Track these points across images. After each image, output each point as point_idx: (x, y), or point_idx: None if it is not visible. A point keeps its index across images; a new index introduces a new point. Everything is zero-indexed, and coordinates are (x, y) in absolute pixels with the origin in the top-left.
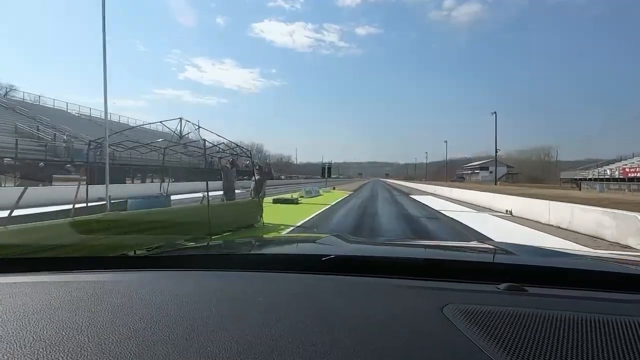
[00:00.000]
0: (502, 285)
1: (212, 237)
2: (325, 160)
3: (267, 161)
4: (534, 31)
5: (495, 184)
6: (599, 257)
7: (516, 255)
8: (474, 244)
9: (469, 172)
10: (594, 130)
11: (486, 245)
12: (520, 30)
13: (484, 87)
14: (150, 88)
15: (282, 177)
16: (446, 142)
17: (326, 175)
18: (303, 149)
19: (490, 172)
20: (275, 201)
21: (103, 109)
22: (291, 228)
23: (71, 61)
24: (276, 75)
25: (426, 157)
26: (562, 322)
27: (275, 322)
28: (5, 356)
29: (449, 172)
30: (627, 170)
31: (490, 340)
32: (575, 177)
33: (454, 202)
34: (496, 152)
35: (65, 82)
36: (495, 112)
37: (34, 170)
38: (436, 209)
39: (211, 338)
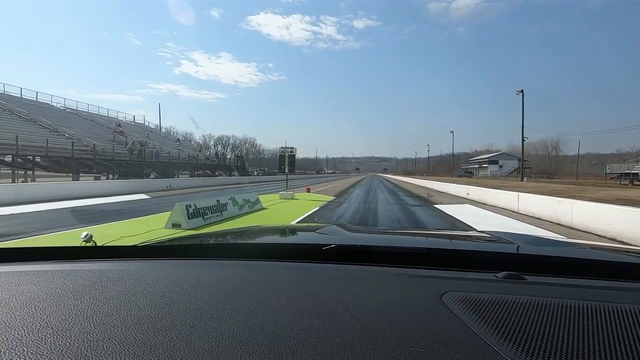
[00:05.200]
0: (501, 274)
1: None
2: (321, 156)
3: (240, 154)
4: (535, 22)
5: (522, 180)
6: (597, 246)
7: (515, 244)
8: (474, 233)
9: (477, 166)
10: (593, 124)
11: (486, 235)
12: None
13: (483, 80)
14: (146, 82)
15: (255, 172)
16: (452, 132)
17: (286, 170)
18: (301, 144)
19: (501, 166)
20: None
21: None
22: None
23: (60, 55)
24: (273, 70)
25: (428, 150)
26: (560, 309)
27: (277, 310)
28: (14, 341)
29: (452, 166)
30: None
31: (488, 327)
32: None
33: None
34: (523, 140)
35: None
36: (522, 91)
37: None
38: None
39: (214, 325)
